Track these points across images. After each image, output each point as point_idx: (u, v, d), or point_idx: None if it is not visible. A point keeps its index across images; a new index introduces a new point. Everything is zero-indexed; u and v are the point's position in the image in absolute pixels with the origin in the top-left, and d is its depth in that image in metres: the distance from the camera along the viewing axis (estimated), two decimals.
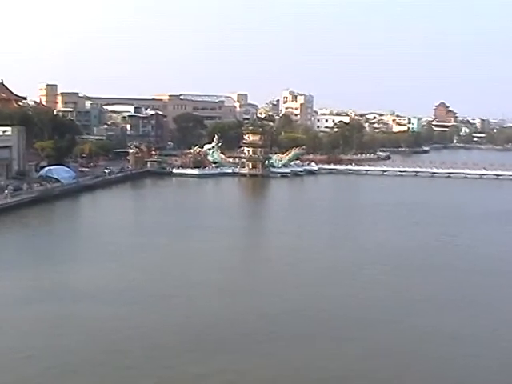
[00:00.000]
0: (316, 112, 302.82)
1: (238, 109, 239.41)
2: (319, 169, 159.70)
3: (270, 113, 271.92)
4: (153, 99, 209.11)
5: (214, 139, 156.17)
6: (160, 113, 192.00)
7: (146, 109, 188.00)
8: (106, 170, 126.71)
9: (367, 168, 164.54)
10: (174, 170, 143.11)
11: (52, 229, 79.84)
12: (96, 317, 44.22)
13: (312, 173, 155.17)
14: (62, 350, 38.56)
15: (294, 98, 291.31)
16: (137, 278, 55.19)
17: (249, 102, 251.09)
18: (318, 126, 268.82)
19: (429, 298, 51.93)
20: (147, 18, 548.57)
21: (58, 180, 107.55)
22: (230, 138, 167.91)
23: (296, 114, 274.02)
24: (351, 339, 41.73)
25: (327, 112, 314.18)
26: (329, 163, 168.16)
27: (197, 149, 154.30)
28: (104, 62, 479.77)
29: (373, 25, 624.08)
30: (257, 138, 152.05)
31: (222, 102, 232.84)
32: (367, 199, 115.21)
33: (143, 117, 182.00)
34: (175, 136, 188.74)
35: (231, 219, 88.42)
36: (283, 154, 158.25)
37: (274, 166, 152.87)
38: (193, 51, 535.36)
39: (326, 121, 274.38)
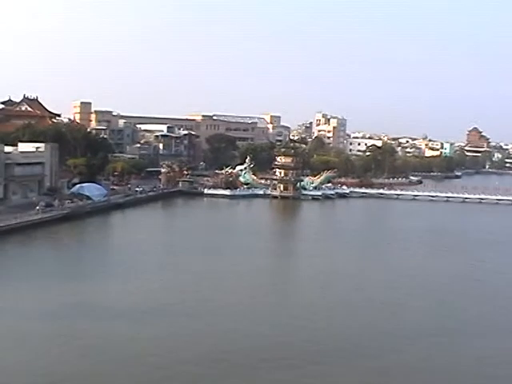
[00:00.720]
0: (348, 135, 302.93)
1: (270, 130, 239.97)
2: (351, 192, 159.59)
3: (303, 135, 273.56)
4: (186, 119, 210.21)
5: (246, 160, 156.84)
6: (193, 133, 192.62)
7: (179, 128, 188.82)
8: (137, 189, 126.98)
9: (399, 192, 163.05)
10: (206, 191, 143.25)
11: (82, 246, 79.85)
12: (130, 337, 43.96)
13: (343, 196, 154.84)
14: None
15: (327, 120, 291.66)
16: (166, 297, 54.77)
17: (281, 123, 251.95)
18: (351, 150, 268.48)
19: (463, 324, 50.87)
20: (185, 37, 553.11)
21: (89, 197, 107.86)
22: (262, 160, 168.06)
23: (328, 137, 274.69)
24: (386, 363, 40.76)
25: (360, 135, 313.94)
26: (360, 187, 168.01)
27: (229, 169, 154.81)
28: (139, 79, 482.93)
29: (406, 49, 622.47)
30: (289, 160, 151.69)
31: (255, 123, 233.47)
32: (398, 224, 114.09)
33: (176, 136, 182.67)
34: (207, 156, 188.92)
35: (262, 240, 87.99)
36: (315, 176, 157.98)
37: (305, 189, 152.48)
38: (230, 72, 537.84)
39: (359, 144, 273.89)
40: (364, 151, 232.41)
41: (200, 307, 52.39)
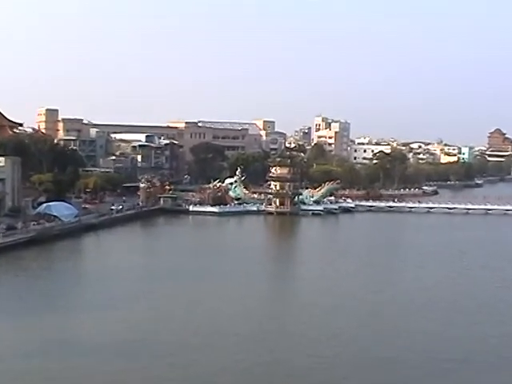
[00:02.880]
0: (353, 141, 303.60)
1: (263, 138, 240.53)
2: (356, 206, 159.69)
3: (301, 142, 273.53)
4: (167, 127, 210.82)
5: (237, 172, 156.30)
6: (175, 142, 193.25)
7: (160, 138, 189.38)
8: (113, 207, 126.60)
9: (411, 205, 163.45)
10: (191, 208, 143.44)
11: (51, 273, 79.36)
12: (104, 372, 43.77)
13: (348, 210, 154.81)
14: None
15: (328, 125, 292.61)
16: (146, 330, 54.65)
17: (276, 130, 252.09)
18: (355, 157, 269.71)
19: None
20: (162, 36, 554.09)
21: (57, 218, 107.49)
22: (255, 171, 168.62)
23: (330, 144, 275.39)
24: None
25: (365, 141, 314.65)
26: (367, 199, 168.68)
27: (217, 183, 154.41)
28: (111, 84, 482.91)
29: (413, 43, 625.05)
30: (285, 170, 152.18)
31: (246, 130, 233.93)
32: (411, 240, 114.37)
33: (156, 147, 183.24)
34: (192, 169, 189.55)
35: (256, 263, 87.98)
36: (315, 189, 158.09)
37: (304, 203, 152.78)
38: (213, 72, 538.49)
39: (365, 151, 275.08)
40: (370, 159, 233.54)
41: (184, 343, 52.17)
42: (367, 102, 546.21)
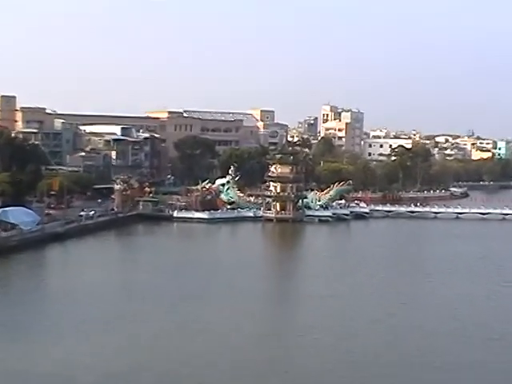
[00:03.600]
0: (367, 134, 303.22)
1: (261, 131, 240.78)
2: (371, 211, 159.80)
3: (305, 135, 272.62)
4: (147, 117, 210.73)
5: (230, 171, 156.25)
6: (156, 136, 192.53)
7: (138, 130, 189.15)
8: (82, 214, 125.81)
9: (437, 210, 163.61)
10: (176, 214, 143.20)
11: (8, 292, 78.74)
12: None
13: (361, 216, 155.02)
14: None
15: (338, 115, 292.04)
16: (125, 362, 54.06)
17: (276, 121, 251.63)
18: (370, 154, 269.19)
19: None
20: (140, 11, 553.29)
21: (16, 226, 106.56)
22: (251, 170, 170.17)
23: (340, 137, 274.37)
24: None
25: (382, 134, 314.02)
26: (384, 203, 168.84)
27: (206, 185, 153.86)
28: (81, 67, 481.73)
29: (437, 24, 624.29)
30: (287, 169, 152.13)
31: (240, 121, 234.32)
32: (437, 253, 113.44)
33: (134, 141, 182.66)
34: (177, 167, 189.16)
35: (253, 281, 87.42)
36: (322, 191, 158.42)
37: (310, 208, 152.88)
38: (201, 54, 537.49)
39: (381, 146, 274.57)
40: (388, 155, 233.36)
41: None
42: (383, 88, 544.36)
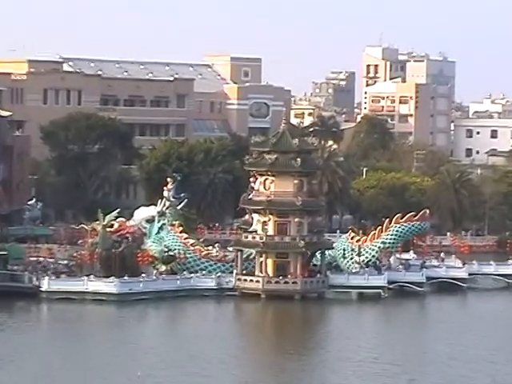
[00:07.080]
0: (463, 109, 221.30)
1: (233, 102, 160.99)
2: (473, 276, 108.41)
3: (329, 112, 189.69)
4: None
5: (165, 191, 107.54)
6: (3, 114, 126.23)
7: None
8: None
9: None
10: (48, 284, 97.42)
11: None
12: None
13: (452, 286, 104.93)
14: None
15: (399, 68, 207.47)
16: None
17: (265, 82, 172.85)
18: (471, 151, 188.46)
19: None
20: None
21: None
22: (214, 188, 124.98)
23: (404, 116, 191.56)
24: None
25: (498, 109, 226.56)
26: (503, 258, 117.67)
27: (114, 220, 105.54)
28: None
29: None
30: (289, 185, 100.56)
31: (189, 81, 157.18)
32: None
33: None
34: (50, 182, 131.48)
35: None
36: (366, 232, 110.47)
37: (340, 269, 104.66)
38: None
39: (493, 135, 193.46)
40: (509, 153, 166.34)
41: None
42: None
